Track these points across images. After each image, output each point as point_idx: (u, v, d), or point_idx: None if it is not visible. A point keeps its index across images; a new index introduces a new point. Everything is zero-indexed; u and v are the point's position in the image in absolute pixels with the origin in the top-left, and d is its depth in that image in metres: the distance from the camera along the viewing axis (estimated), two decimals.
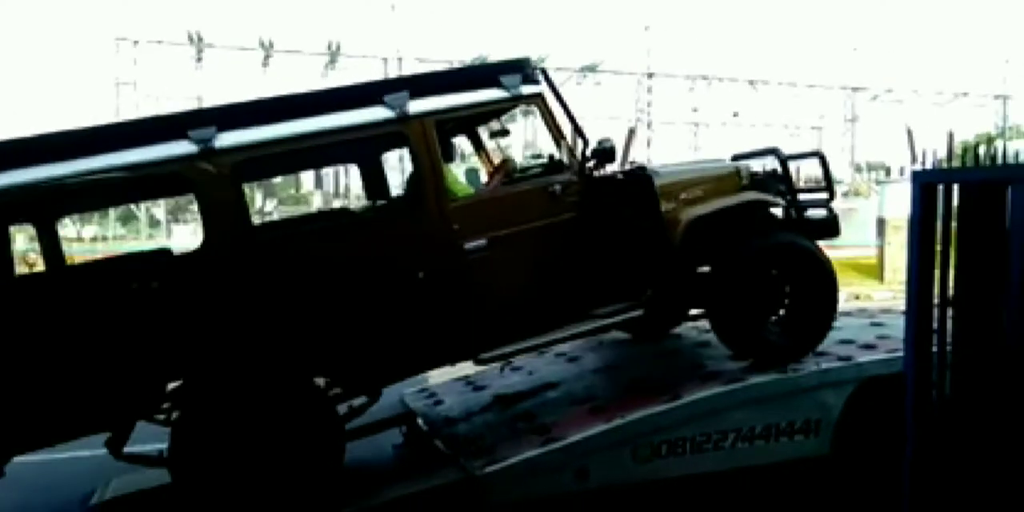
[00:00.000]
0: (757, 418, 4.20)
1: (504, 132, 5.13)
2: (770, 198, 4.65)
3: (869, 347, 4.66)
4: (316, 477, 3.76)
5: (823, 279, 4.51)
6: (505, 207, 4.22)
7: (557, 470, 3.99)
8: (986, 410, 2.90)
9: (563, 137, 4.39)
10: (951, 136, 9.00)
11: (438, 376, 5.70)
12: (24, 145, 3.58)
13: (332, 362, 3.93)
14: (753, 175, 4.83)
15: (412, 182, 4.33)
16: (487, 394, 5.04)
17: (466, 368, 5.44)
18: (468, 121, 4.87)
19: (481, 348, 4.12)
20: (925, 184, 3.16)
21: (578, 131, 4.41)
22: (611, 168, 4.55)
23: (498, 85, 4.22)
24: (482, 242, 4.06)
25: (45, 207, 4.43)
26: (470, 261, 4.04)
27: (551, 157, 4.58)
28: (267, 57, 28.03)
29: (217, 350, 3.73)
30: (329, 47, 28.19)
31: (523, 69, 4.29)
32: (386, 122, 3.98)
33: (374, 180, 5.28)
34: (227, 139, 3.73)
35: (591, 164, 4.41)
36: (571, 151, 4.40)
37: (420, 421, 4.98)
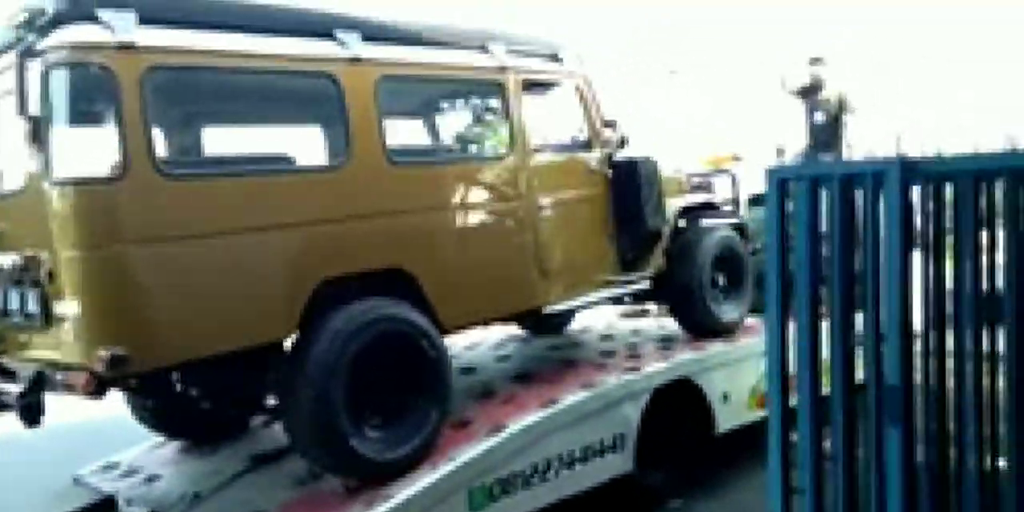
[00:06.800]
0: (576, 440, 3.87)
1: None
2: (717, 200, 5.64)
3: (634, 357, 4.69)
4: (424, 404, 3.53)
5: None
6: (560, 172, 4.41)
7: None
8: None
9: (598, 118, 4.62)
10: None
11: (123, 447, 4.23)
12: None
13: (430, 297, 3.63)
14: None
15: (500, 134, 4.42)
16: (239, 454, 3.81)
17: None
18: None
19: (543, 301, 4.17)
20: (781, 180, 3.19)
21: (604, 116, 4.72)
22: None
23: (556, 60, 4.47)
24: (548, 200, 4.21)
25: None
26: (540, 217, 4.16)
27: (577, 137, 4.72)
28: None
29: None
30: None
31: (573, 49, 4.59)
32: (493, 69, 4.07)
33: (469, 126, 5.08)
34: (373, 50, 3.56)
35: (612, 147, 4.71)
36: (602, 132, 4.65)
37: (136, 509, 3.54)
